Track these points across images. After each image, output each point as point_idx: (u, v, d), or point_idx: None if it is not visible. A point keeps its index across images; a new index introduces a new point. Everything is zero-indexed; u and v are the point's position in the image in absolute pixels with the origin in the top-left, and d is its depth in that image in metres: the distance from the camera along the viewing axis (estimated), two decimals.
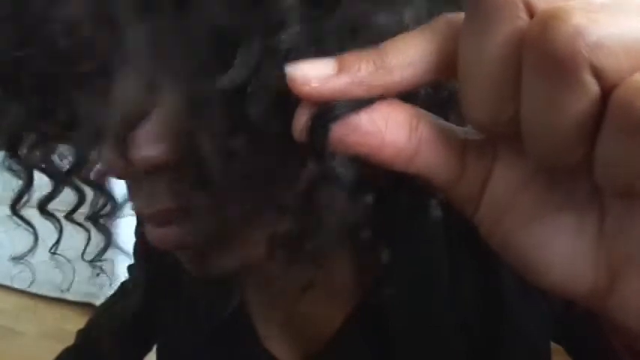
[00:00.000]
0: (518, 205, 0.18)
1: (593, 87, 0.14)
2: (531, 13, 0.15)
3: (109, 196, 0.34)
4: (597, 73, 0.14)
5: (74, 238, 0.36)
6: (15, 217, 0.33)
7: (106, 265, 0.38)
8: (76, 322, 0.58)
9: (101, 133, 0.26)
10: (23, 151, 0.31)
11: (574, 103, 0.14)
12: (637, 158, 0.14)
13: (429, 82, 0.18)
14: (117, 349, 0.51)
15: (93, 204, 0.34)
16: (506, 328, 0.38)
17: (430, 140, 0.18)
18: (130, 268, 0.54)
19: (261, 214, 0.26)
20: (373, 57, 0.17)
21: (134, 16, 0.23)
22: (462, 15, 0.17)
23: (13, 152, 0.31)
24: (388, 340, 0.39)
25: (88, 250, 0.36)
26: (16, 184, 0.32)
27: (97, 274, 0.39)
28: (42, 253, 0.35)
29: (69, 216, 0.34)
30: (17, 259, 0.35)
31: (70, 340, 0.54)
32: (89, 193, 0.33)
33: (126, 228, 0.47)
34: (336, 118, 0.17)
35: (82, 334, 0.54)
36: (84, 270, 0.37)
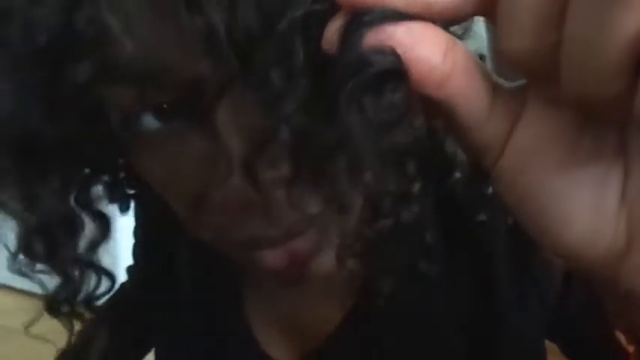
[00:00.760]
0: (545, 154, 0.17)
1: None
2: None
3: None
4: None
5: None
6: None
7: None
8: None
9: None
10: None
11: (624, 21, 0.13)
12: None
13: (465, 13, 0.17)
14: (116, 350, 0.51)
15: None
16: (501, 328, 0.39)
17: (464, 67, 0.17)
18: (129, 269, 0.54)
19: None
20: None
21: None
22: None
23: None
24: (384, 341, 0.39)
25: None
26: None
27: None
28: None
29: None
30: (17, 258, 0.35)
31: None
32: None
33: (125, 228, 0.47)
34: (371, 23, 0.17)
35: (81, 335, 0.54)
36: None
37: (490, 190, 0.37)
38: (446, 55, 0.17)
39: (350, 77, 0.17)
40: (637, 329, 0.20)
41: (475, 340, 0.39)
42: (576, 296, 0.40)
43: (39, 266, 0.32)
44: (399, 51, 0.17)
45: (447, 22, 0.17)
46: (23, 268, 0.32)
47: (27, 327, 0.37)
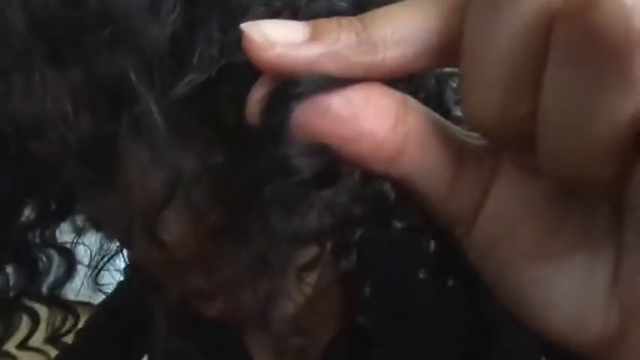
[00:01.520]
0: (520, 230, 0.15)
1: None
2: None
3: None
4: None
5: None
6: None
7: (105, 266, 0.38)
8: None
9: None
10: None
11: (618, 102, 0.11)
12: None
13: (419, 68, 0.14)
14: (116, 350, 0.51)
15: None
16: (495, 346, 0.38)
17: (419, 137, 0.15)
18: (127, 268, 0.54)
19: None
20: (356, 27, 0.14)
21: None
22: None
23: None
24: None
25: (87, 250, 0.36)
26: None
27: (96, 274, 0.39)
28: None
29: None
30: None
31: (68, 340, 0.54)
32: None
33: None
34: (300, 95, 0.14)
35: (81, 334, 0.54)
36: (83, 269, 0.37)
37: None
38: (396, 125, 0.14)
39: (267, 181, 0.15)
40: None
41: (469, 353, 0.38)
42: None
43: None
44: (335, 134, 0.14)
45: (398, 78, 0.15)
46: None
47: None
